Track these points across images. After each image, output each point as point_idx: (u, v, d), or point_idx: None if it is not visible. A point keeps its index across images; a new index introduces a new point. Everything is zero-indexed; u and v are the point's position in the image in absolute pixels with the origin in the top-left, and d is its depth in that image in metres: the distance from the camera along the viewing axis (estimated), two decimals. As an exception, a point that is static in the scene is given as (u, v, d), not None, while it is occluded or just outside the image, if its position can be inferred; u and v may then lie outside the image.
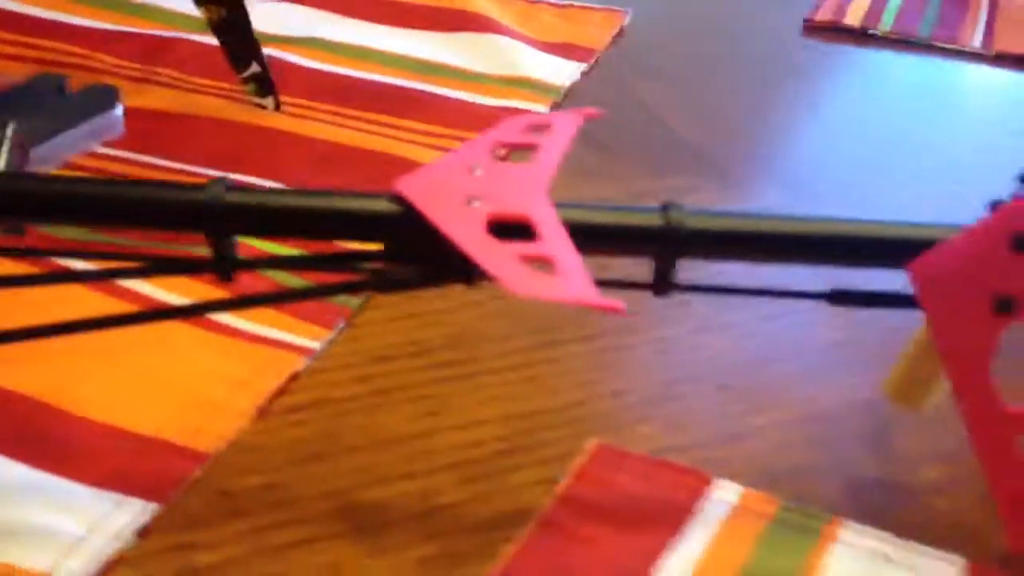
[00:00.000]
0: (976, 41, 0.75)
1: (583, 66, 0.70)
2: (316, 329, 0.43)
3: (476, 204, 0.29)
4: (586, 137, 0.61)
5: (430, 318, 0.45)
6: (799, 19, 0.79)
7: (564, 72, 0.69)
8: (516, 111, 0.63)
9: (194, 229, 0.29)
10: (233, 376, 0.40)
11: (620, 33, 0.76)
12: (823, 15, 0.78)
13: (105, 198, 0.29)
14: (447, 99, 0.64)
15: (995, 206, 0.30)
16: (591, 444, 0.38)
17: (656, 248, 0.30)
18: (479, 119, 0.62)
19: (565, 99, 0.66)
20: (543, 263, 0.27)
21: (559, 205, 0.30)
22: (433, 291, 0.46)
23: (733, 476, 0.37)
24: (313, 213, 0.30)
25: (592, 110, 0.35)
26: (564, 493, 0.36)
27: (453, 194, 0.29)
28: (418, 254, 0.29)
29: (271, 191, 0.30)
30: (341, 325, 0.44)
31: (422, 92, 0.65)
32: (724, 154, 0.61)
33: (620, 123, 0.64)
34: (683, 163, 0.60)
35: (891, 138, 0.64)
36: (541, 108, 0.64)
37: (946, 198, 0.57)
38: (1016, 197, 0.31)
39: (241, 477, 0.37)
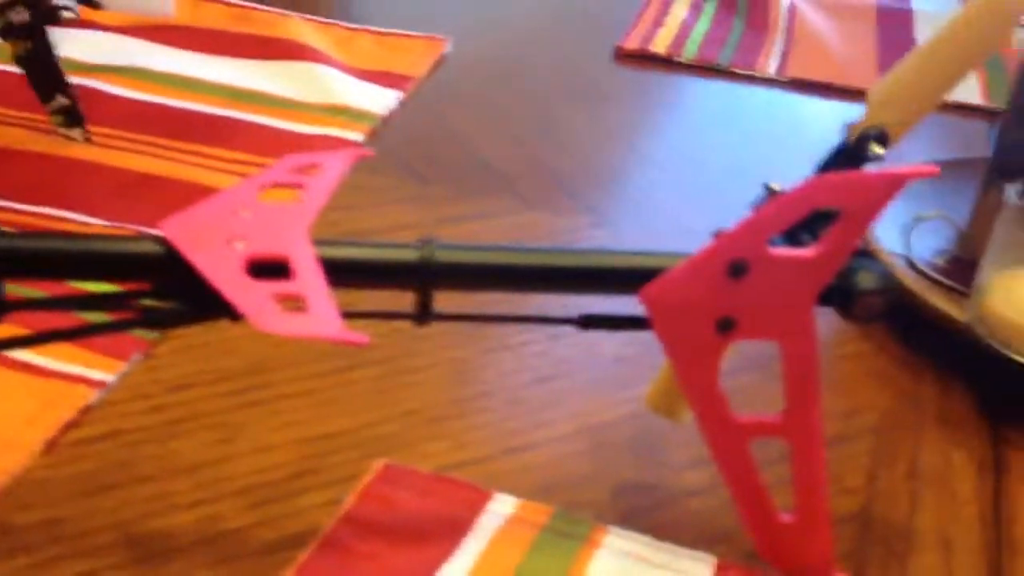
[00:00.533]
0: (772, 68, 0.80)
1: (400, 94, 0.72)
2: (110, 361, 0.44)
3: (238, 245, 0.31)
4: (401, 164, 0.64)
5: (228, 346, 0.47)
6: (611, 47, 0.82)
7: (381, 100, 0.71)
8: (331, 139, 0.65)
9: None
10: (21, 412, 0.41)
11: (440, 61, 0.78)
12: (631, 43, 0.82)
13: None
14: (262, 127, 0.66)
15: (718, 234, 0.33)
16: (377, 464, 0.40)
17: (413, 281, 0.32)
18: (293, 147, 0.63)
19: (382, 127, 0.68)
20: (296, 300, 0.29)
21: (320, 243, 0.31)
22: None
23: (513, 488, 0.40)
24: (80, 256, 0.31)
25: (364, 150, 0.37)
26: (347, 512, 0.38)
27: (216, 235, 0.31)
28: (184, 293, 0.31)
29: (40, 234, 0.31)
30: (137, 357, 0.45)
31: (237, 120, 0.66)
32: (531, 180, 0.64)
33: (434, 151, 0.66)
34: (492, 188, 0.62)
35: (684, 161, 0.67)
36: (357, 136, 0.66)
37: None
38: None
39: (23, 512, 0.37)
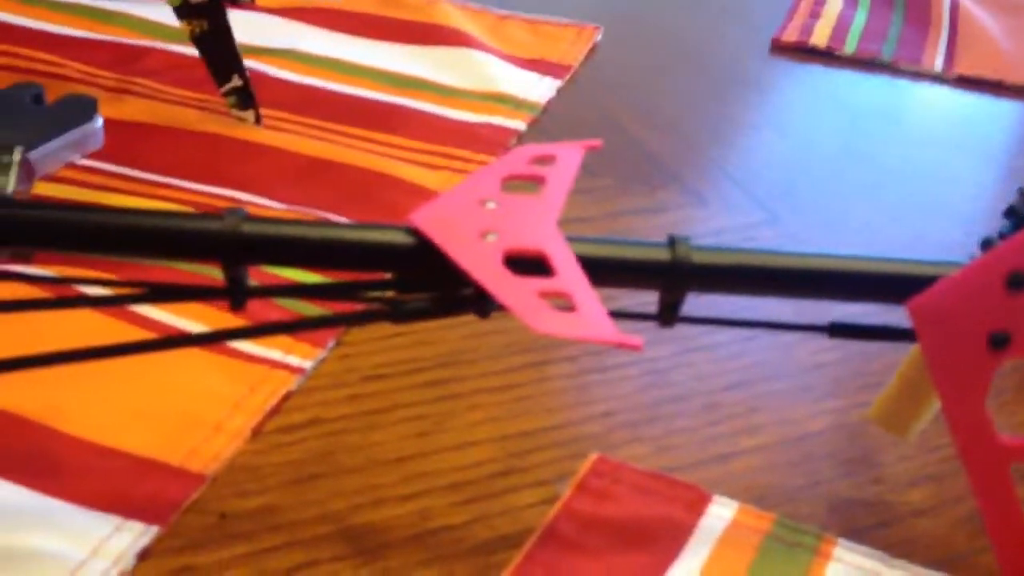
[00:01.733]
0: (937, 64, 0.77)
1: (558, 82, 0.70)
2: (308, 348, 0.43)
3: (491, 238, 0.29)
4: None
5: (420, 336, 0.46)
6: (767, 39, 0.80)
7: (539, 88, 0.69)
8: (494, 127, 0.64)
9: (210, 259, 0.29)
10: (227, 396, 0.40)
11: (593, 49, 0.76)
12: (789, 35, 0.79)
13: (120, 228, 0.29)
14: (425, 113, 0.65)
15: (986, 244, 0.31)
16: (591, 457, 0.39)
17: (663, 281, 0.31)
18: (457, 134, 0.62)
19: (543, 116, 0.67)
20: (561, 299, 0.28)
21: (570, 239, 0.30)
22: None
23: (725, 495, 0.38)
24: (329, 245, 0.30)
25: (594, 141, 0.36)
26: (566, 505, 0.37)
27: (468, 227, 0.30)
28: (432, 285, 0.30)
29: (287, 222, 0.30)
30: (332, 344, 0.44)
31: (400, 106, 0.65)
32: (695, 172, 0.62)
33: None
34: (659, 181, 0.61)
35: (853, 158, 0.65)
36: (519, 125, 0.64)
37: (905, 212, 0.59)
38: (1003, 234, 0.32)
39: (239, 499, 0.37)
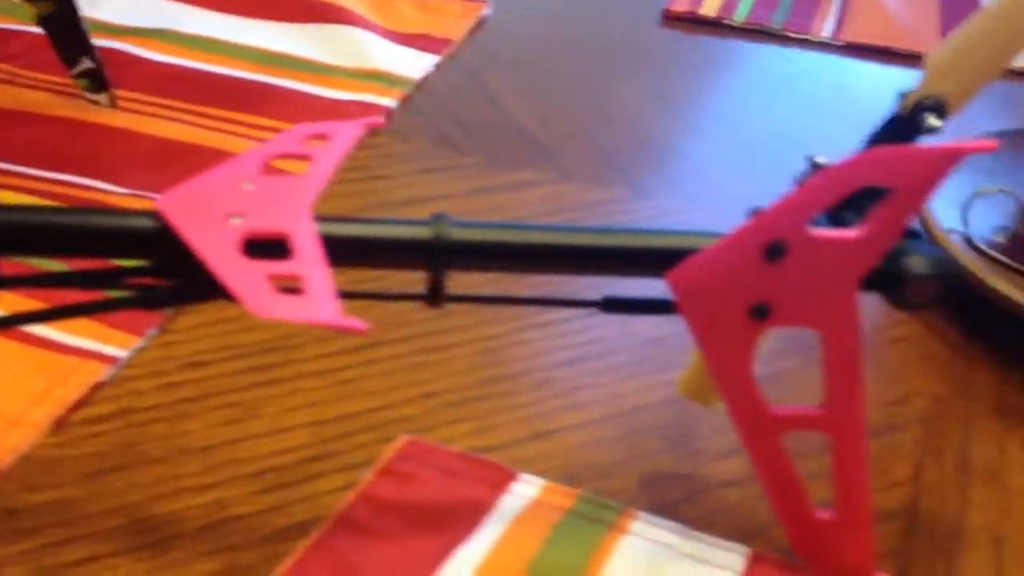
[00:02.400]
0: (826, 31, 0.77)
1: (436, 58, 0.69)
2: (125, 336, 0.42)
3: (236, 221, 0.29)
4: (435, 132, 0.62)
5: (248, 322, 0.45)
6: (658, 10, 0.79)
7: (417, 64, 0.68)
8: (364, 104, 0.63)
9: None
10: (30, 388, 0.39)
11: (478, 24, 0.75)
12: (680, 5, 0.79)
13: None
14: (295, 92, 0.64)
15: (754, 213, 0.30)
16: (399, 440, 0.39)
17: (424, 261, 0.30)
18: (326, 113, 0.61)
19: (417, 92, 0.66)
20: (293, 281, 0.27)
21: (324, 219, 0.29)
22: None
23: (539, 473, 0.38)
24: (72, 230, 0.29)
25: (376, 119, 0.35)
26: (365, 490, 0.36)
27: (214, 211, 0.29)
28: (179, 271, 0.29)
29: (30, 209, 0.29)
30: (153, 332, 0.43)
31: (270, 85, 0.64)
32: (567, 148, 0.61)
33: (470, 118, 0.64)
34: (529, 158, 0.60)
35: (729, 130, 0.64)
36: (391, 102, 0.63)
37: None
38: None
39: (29, 493, 0.36)
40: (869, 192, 0.31)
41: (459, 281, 0.33)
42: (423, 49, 0.70)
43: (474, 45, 0.73)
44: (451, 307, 0.47)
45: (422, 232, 0.30)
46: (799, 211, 0.30)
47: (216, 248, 0.27)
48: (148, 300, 0.29)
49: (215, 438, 0.39)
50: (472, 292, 0.32)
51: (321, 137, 0.33)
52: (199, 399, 0.41)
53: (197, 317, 0.45)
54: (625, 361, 0.45)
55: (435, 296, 0.31)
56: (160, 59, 0.66)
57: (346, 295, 0.29)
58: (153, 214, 0.29)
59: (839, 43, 0.76)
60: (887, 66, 0.74)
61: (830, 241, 0.30)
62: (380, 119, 0.35)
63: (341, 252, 0.29)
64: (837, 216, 0.31)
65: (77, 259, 0.30)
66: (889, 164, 0.29)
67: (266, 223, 0.29)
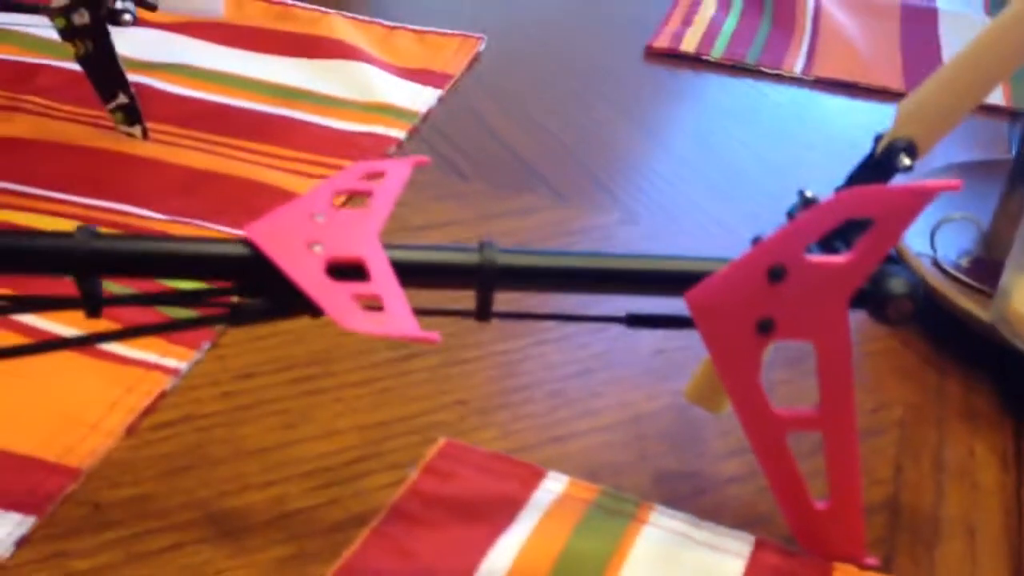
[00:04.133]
0: (798, 67, 0.83)
1: (439, 92, 0.74)
2: (183, 350, 0.47)
3: (317, 248, 0.33)
4: (443, 162, 0.67)
5: (293, 335, 0.49)
6: (641, 46, 0.85)
7: (421, 98, 0.73)
8: (376, 136, 0.68)
9: (64, 273, 0.33)
10: (104, 397, 0.44)
11: (475, 59, 0.80)
12: (661, 42, 0.84)
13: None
14: (310, 124, 0.68)
15: (756, 241, 0.35)
16: (440, 441, 0.43)
17: (474, 282, 0.35)
18: (339, 145, 0.66)
19: (422, 124, 0.71)
20: (373, 300, 0.32)
21: (389, 247, 0.34)
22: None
23: (561, 472, 0.43)
24: (172, 257, 0.34)
25: (422, 158, 0.40)
26: (412, 486, 0.41)
27: (296, 239, 0.33)
28: (267, 291, 0.34)
29: (134, 236, 0.34)
30: (207, 346, 0.48)
31: (286, 118, 0.68)
32: (562, 175, 0.66)
33: (473, 148, 0.68)
34: (529, 184, 0.65)
35: (710, 158, 0.70)
36: (399, 133, 0.68)
37: (757, 208, 0.63)
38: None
39: (112, 490, 0.40)
40: (854, 224, 0.36)
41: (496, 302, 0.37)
42: (425, 83, 0.75)
43: (471, 79, 0.78)
44: (473, 325, 0.51)
45: (472, 258, 0.35)
46: (796, 239, 0.35)
47: (305, 272, 0.32)
48: (240, 316, 0.34)
49: (270, 441, 0.43)
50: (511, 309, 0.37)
51: (377, 174, 0.38)
52: (253, 407, 0.45)
53: (244, 333, 0.49)
54: (631, 373, 0.50)
55: (484, 313, 0.36)
56: (182, 92, 0.70)
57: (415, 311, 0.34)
58: (245, 242, 0.34)
59: (809, 78, 0.82)
60: (854, 99, 0.80)
61: (823, 265, 0.35)
62: (426, 158, 0.40)
63: (404, 275, 0.34)
64: (828, 244, 0.37)
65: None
66: (870, 201, 0.34)
67: (343, 250, 0.33)
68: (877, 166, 0.40)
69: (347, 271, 0.33)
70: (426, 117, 0.72)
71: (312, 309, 0.33)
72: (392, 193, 0.37)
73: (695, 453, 0.45)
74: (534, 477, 0.42)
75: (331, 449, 0.43)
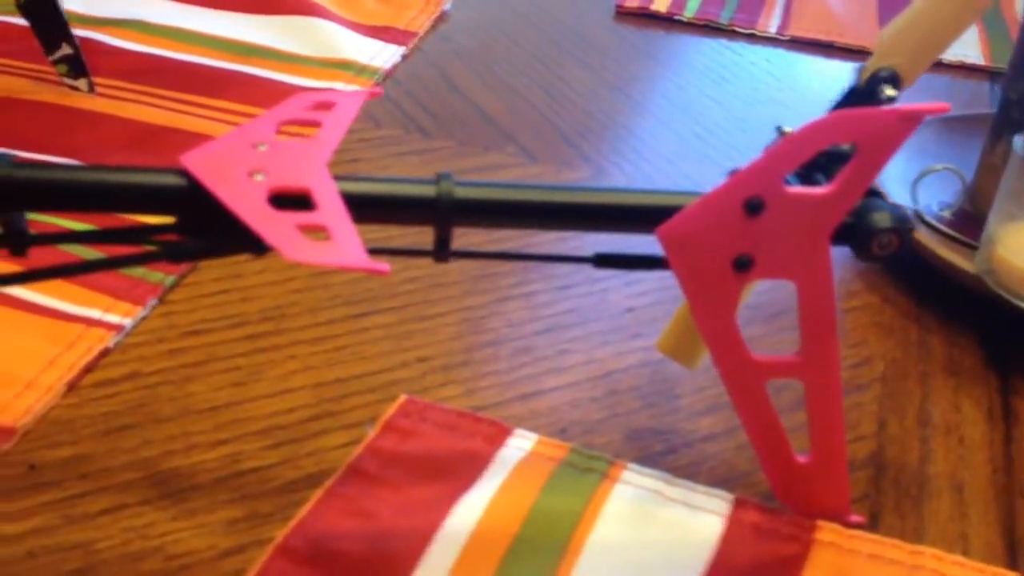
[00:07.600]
0: (772, 26, 0.81)
1: (402, 50, 0.72)
2: (127, 306, 0.44)
3: (259, 177, 0.31)
4: (405, 118, 0.64)
5: (244, 292, 0.47)
6: (611, 5, 0.82)
7: (383, 55, 0.71)
8: (335, 93, 0.65)
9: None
10: (41, 354, 0.41)
11: (440, 17, 0.78)
12: (632, 1, 0.82)
13: None
14: (265, 80, 0.66)
15: (732, 173, 0.33)
16: (399, 399, 0.41)
17: (431, 216, 0.32)
18: (298, 101, 0.63)
19: (385, 81, 0.68)
20: (320, 231, 0.29)
21: (339, 178, 0.32)
22: (252, 267, 0.48)
23: (528, 430, 0.40)
24: (101, 188, 0.31)
25: (375, 89, 0.37)
26: (371, 444, 0.38)
27: (237, 168, 0.31)
28: (208, 227, 0.31)
29: (59, 167, 0.31)
30: (154, 302, 0.45)
31: (241, 73, 0.66)
32: (529, 132, 0.64)
33: (437, 106, 0.66)
34: (495, 142, 0.62)
35: (682, 117, 0.68)
36: (359, 89, 0.66)
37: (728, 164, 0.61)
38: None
39: (49, 450, 0.38)
40: (836, 157, 0.34)
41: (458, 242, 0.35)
42: (389, 40, 0.73)
43: (437, 38, 0.75)
44: (433, 280, 0.49)
45: (428, 190, 0.32)
46: (774, 168, 0.32)
47: (246, 202, 0.29)
48: (175, 254, 0.31)
49: (221, 399, 0.41)
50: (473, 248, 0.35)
51: (326, 105, 0.35)
52: (202, 364, 0.43)
53: (193, 289, 0.47)
54: (600, 329, 0.48)
55: (441, 252, 0.33)
56: (132, 48, 0.67)
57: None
58: (181, 172, 0.31)
59: (784, 38, 0.80)
60: (829, 59, 0.78)
61: (802, 197, 0.33)
62: (380, 89, 0.37)
63: (354, 208, 0.31)
64: (809, 178, 0.34)
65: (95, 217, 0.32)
66: (854, 124, 0.32)
67: (288, 179, 0.31)
68: (859, 98, 0.38)
69: (292, 201, 0.30)
70: (389, 75, 0.69)
71: (254, 245, 0.30)
72: (342, 124, 0.34)
73: (669, 410, 0.43)
74: (500, 434, 0.39)
75: (285, 407, 0.41)
